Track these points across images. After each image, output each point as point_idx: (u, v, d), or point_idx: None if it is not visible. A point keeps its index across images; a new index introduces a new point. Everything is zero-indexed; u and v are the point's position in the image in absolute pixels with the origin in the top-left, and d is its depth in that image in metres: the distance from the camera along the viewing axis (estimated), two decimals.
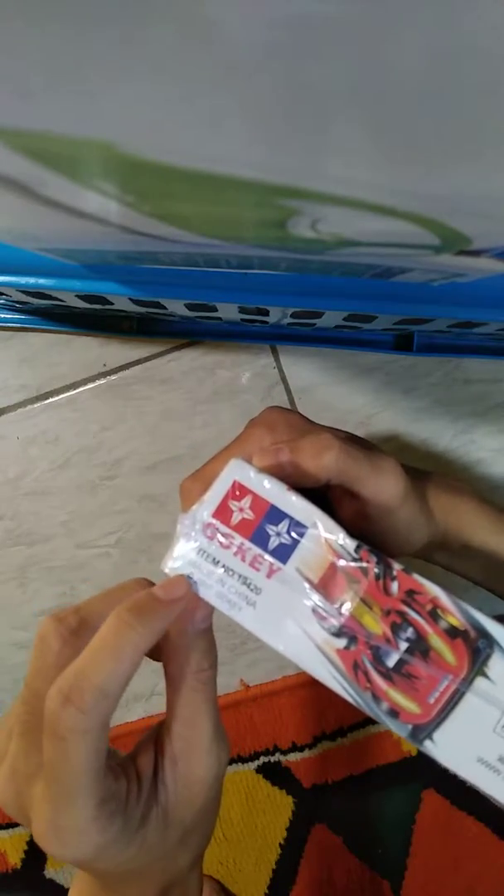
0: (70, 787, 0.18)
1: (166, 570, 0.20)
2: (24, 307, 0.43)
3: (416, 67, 0.08)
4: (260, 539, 0.20)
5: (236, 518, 0.20)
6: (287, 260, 0.21)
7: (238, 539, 0.20)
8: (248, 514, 0.20)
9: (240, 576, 0.20)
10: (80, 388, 0.47)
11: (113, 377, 0.47)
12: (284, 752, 0.48)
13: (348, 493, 0.24)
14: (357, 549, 0.19)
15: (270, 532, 0.20)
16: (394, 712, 0.18)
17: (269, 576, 0.19)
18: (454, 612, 0.18)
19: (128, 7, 0.07)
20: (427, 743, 0.18)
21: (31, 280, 0.30)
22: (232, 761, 0.49)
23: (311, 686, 0.47)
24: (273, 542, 0.20)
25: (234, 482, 0.20)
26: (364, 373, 0.47)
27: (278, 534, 0.20)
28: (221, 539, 0.20)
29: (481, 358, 0.46)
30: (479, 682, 0.18)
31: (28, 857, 0.50)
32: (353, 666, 0.19)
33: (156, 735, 0.22)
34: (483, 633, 0.18)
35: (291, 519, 0.20)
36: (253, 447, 0.24)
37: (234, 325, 0.44)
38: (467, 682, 0.18)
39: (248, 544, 0.20)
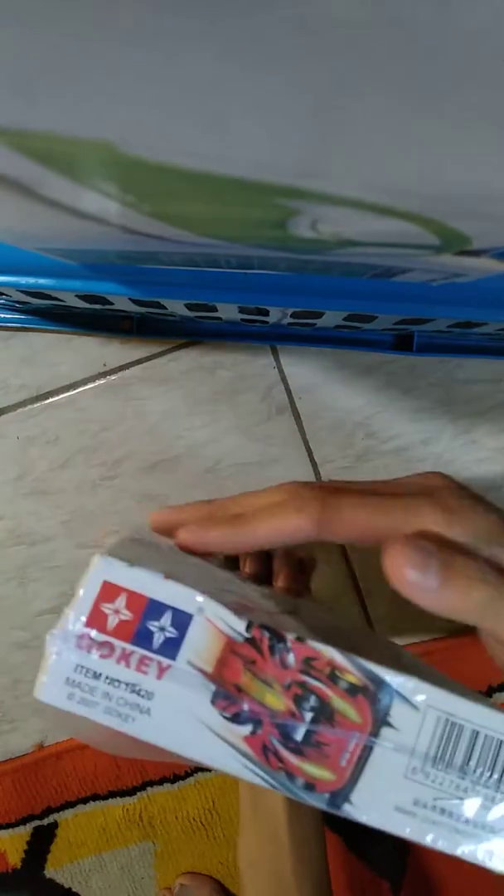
0: None
1: (40, 698, 0.18)
2: (24, 307, 0.43)
3: (414, 62, 0.08)
4: (143, 639, 0.18)
5: (113, 622, 0.18)
6: (287, 260, 0.21)
7: (119, 644, 0.18)
8: (126, 615, 0.18)
9: (126, 684, 0.18)
10: (80, 388, 0.47)
11: (113, 377, 0.47)
12: None
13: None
14: (248, 627, 0.18)
15: (153, 629, 0.18)
16: (310, 786, 0.18)
17: (159, 676, 0.18)
18: (350, 669, 0.18)
19: (128, 6, 0.07)
20: (346, 807, 0.17)
21: (31, 280, 0.30)
22: None
23: None
24: (158, 639, 0.18)
25: (104, 583, 0.18)
26: (364, 373, 0.47)
27: (162, 629, 0.18)
28: (99, 649, 0.18)
29: (481, 358, 0.46)
30: (385, 732, 0.18)
31: (28, 857, 0.50)
32: (262, 750, 0.18)
33: None
34: (381, 684, 0.18)
35: (174, 609, 0.18)
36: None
37: (234, 325, 0.45)
38: (374, 736, 0.18)
39: (130, 647, 0.18)
